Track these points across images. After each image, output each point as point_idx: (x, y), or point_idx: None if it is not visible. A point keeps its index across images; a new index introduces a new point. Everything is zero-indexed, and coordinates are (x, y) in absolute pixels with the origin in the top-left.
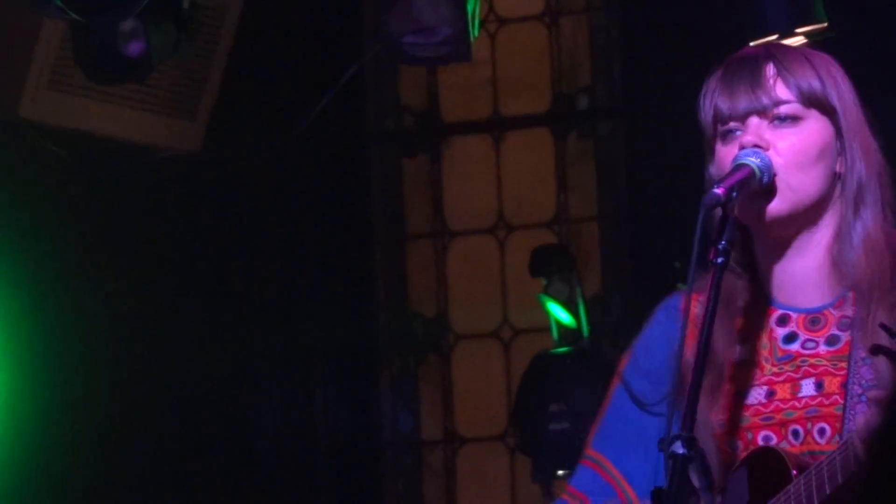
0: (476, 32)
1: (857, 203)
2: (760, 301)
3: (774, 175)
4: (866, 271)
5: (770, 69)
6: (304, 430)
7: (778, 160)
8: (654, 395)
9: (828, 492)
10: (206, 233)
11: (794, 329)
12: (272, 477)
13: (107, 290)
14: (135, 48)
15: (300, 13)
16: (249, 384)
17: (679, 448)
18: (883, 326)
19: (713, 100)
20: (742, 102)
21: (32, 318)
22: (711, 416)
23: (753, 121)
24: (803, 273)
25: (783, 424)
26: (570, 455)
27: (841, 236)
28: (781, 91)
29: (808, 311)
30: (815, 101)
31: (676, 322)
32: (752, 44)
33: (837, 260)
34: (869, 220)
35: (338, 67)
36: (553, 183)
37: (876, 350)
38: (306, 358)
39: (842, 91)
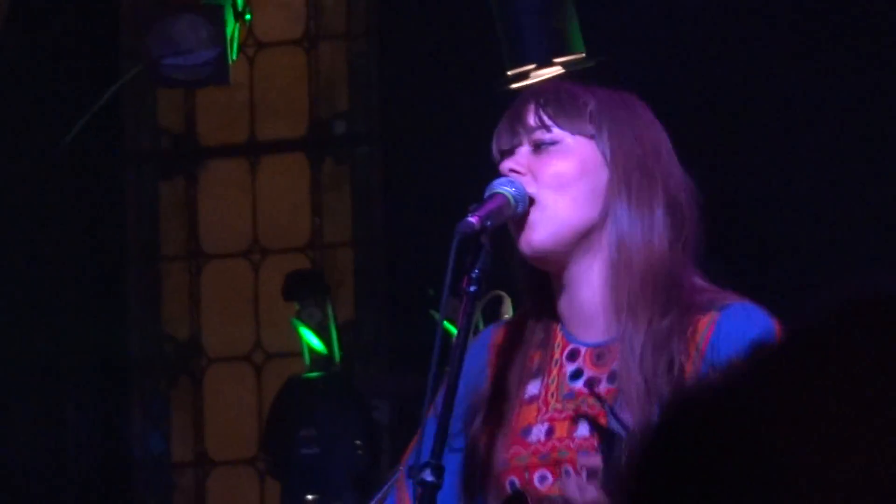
0: (235, 56)
1: (624, 233)
2: (556, 334)
3: (530, 205)
4: (629, 303)
5: (530, 105)
6: (54, 449)
7: (535, 186)
8: (455, 426)
9: None
10: None
11: (581, 365)
12: (21, 496)
13: None
14: None
15: (58, 32)
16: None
17: (428, 476)
18: (591, 391)
19: (492, 149)
20: (504, 140)
21: None
22: (497, 454)
23: (517, 150)
24: (587, 305)
25: (558, 463)
26: (320, 480)
27: (615, 268)
28: (538, 119)
29: (594, 346)
30: (573, 126)
31: (482, 356)
32: (513, 72)
33: (612, 293)
34: (638, 252)
35: (96, 88)
36: (308, 208)
37: (578, 416)
38: (58, 378)
39: (614, 117)
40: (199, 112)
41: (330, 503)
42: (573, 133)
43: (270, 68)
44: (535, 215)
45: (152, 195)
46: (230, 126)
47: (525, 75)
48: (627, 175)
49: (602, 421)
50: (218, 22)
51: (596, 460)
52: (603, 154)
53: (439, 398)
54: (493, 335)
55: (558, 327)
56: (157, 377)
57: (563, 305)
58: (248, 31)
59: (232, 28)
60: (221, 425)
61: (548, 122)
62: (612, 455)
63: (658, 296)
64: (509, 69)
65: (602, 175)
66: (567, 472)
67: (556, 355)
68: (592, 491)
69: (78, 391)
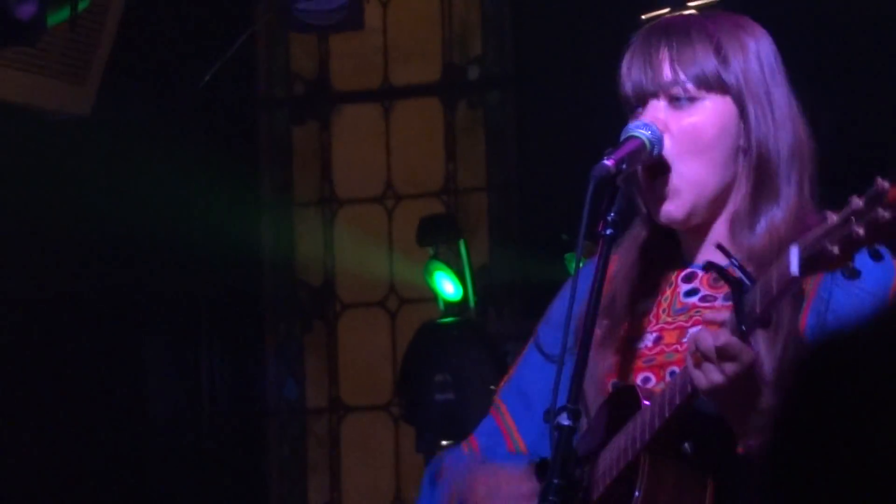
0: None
1: (758, 185)
2: (674, 258)
3: (664, 149)
4: (760, 254)
5: (664, 52)
6: (189, 394)
7: (671, 147)
8: (556, 346)
9: (667, 414)
10: (95, 197)
11: (697, 285)
12: (158, 441)
13: None
14: (27, 11)
15: None
16: (136, 347)
17: (564, 420)
18: (719, 247)
19: (621, 84)
20: (637, 88)
21: None
22: (601, 362)
23: (651, 102)
24: (710, 236)
25: (663, 366)
26: (455, 425)
27: (737, 220)
28: (673, 74)
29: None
30: (709, 83)
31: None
32: (647, 17)
33: (738, 229)
34: (769, 206)
35: (229, 33)
36: (442, 152)
37: (708, 267)
38: (193, 325)
39: (745, 62)
40: (332, 57)
41: None
42: (709, 90)
43: (404, 13)
44: (672, 182)
45: (286, 141)
46: (364, 71)
47: (659, 18)
48: (773, 128)
49: (730, 272)
50: None
51: (722, 314)
52: (740, 107)
53: (569, 340)
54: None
55: (675, 251)
56: (291, 323)
57: (686, 237)
58: None
59: None
60: (355, 371)
61: (682, 77)
62: (742, 302)
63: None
64: (643, 13)
65: (735, 129)
66: (672, 373)
67: (672, 278)
68: (725, 335)
69: (213, 337)
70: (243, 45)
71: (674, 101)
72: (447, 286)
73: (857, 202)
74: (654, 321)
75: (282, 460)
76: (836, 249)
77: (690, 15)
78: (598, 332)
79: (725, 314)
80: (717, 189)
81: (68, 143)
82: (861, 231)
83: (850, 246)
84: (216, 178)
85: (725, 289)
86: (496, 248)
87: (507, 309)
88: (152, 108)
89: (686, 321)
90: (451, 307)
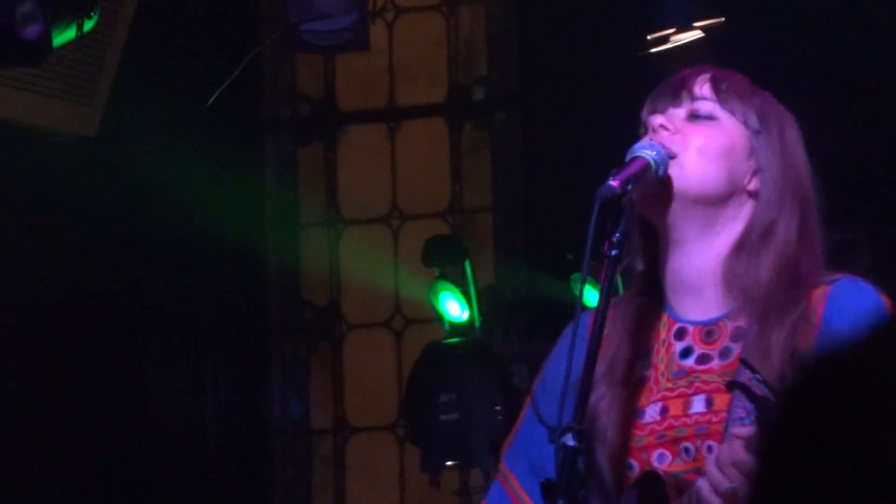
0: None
1: (768, 224)
2: (662, 315)
3: (669, 168)
4: (764, 290)
5: (701, 78)
6: (194, 415)
7: (680, 146)
8: (553, 416)
9: None
10: (101, 217)
11: (691, 343)
12: (162, 461)
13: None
14: (32, 31)
15: None
16: (140, 367)
17: (570, 440)
18: (743, 361)
19: (646, 102)
20: (665, 100)
21: None
22: (612, 434)
23: (671, 110)
24: (699, 280)
25: (675, 442)
26: (460, 446)
27: (740, 251)
28: (703, 91)
29: (703, 324)
30: (737, 110)
31: (584, 341)
32: (653, 37)
33: (732, 273)
34: (777, 245)
35: (235, 53)
36: (447, 173)
37: (732, 385)
38: (198, 344)
39: (774, 120)
40: (338, 78)
41: (469, 469)
42: (732, 115)
43: (410, 34)
44: (671, 169)
45: (291, 161)
46: (369, 92)
47: (664, 39)
48: (774, 176)
49: (754, 390)
50: None
51: (747, 429)
52: (752, 147)
53: (575, 365)
54: (591, 320)
55: (663, 308)
56: (296, 343)
57: (673, 279)
58: None
59: None
60: (361, 391)
61: (714, 96)
62: (769, 421)
63: (789, 289)
64: (648, 33)
65: (742, 164)
66: (687, 450)
67: (663, 335)
68: (742, 455)
69: (217, 357)
70: (249, 65)
71: (693, 116)
72: (453, 306)
73: None
74: (654, 388)
75: (287, 481)
76: None
77: (735, 72)
78: (604, 398)
79: (749, 429)
80: (709, 191)
81: (74, 162)
82: None
83: None
84: (221, 198)
85: (719, 344)
86: (502, 269)
87: (512, 329)
88: (158, 129)
89: (688, 388)
90: (456, 327)
